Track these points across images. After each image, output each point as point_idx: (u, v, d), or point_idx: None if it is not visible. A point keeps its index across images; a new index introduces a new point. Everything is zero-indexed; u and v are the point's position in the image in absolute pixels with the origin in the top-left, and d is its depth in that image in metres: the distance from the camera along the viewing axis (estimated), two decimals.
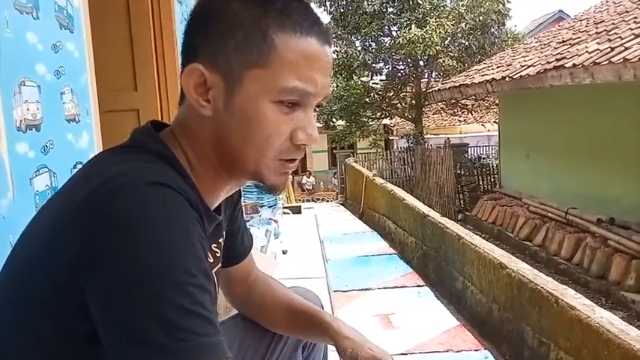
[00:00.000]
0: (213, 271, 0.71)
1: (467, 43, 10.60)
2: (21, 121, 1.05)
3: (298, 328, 0.89)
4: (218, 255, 0.74)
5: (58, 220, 0.53)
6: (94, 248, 0.49)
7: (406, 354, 2.25)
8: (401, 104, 11.86)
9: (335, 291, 2.90)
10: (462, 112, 12.56)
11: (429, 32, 9.65)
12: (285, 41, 0.57)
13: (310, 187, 15.48)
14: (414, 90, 11.41)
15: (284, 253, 3.56)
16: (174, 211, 0.51)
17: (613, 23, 5.46)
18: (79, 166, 1.04)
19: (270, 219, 3.67)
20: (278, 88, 0.57)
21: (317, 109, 0.64)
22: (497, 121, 9.32)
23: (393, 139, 15.06)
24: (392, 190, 5.32)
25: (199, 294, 0.49)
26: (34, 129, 1.10)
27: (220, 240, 0.74)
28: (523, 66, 5.70)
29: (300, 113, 0.60)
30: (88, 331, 0.50)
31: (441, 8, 10.36)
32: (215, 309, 0.52)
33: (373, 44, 11.03)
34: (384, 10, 10.60)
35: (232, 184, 0.66)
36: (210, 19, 0.59)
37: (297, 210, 5.95)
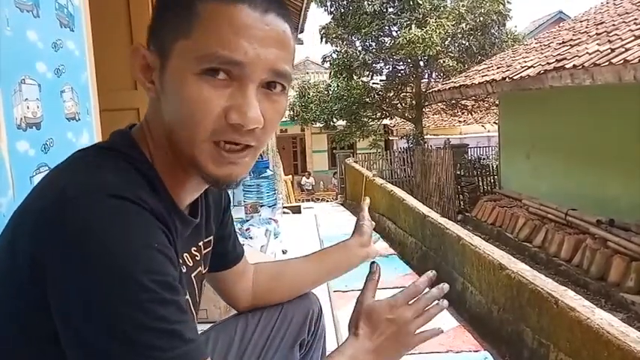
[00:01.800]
0: (193, 275, 0.69)
1: (467, 44, 10.60)
2: (21, 119, 1.05)
3: (322, 271, 0.97)
4: (198, 258, 0.71)
5: (19, 227, 0.53)
6: (50, 265, 0.48)
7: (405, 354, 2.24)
8: (401, 104, 11.86)
9: (335, 291, 2.89)
10: (462, 113, 12.56)
11: (429, 32, 9.65)
12: (209, 9, 0.53)
13: (310, 188, 15.47)
14: (414, 90, 11.41)
15: (284, 252, 3.56)
16: (129, 225, 0.50)
17: (613, 24, 5.46)
18: None
19: (270, 218, 3.67)
20: (198, 55, 0.53)
21: (275, 89, 0.57)
22: (497, 121, 9.32)
23: (392, 140, 15.07)
24: (392, 190, 5.32)
25: (160, 308, 0.48)
26: (34, 127, 1.09)
27: (200, 243, 0.72)
28: (523, 67, 5.70)
29: (235, 90, 0.54)
30: (52, 332, 0.50)
31: (441, 8, 10.36)
32: (183, 315, 0.51)
33: (373, 44, 11.03)
34: (385, 10, 10.60)
35: (193, 178, 0.60)
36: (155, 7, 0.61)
37: (296, 210, 5.95)
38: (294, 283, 0.94)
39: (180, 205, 0.62)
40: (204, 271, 0.75)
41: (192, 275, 0.70)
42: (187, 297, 0.63)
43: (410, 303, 0.73)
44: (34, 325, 0.51)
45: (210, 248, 0.76)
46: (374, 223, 1.01)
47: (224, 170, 0.56)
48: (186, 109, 0.54)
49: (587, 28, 6.19)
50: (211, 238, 0.76)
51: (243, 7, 0.53)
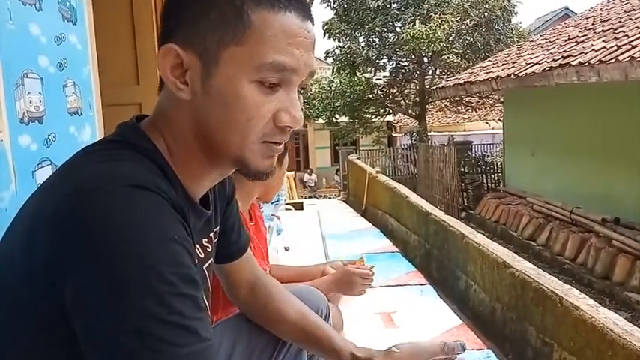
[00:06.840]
0: (204, 267, 0.70)
1: (471, 40, 10.55)
2: (24, 113, 1.04)
3: (306, 344, 0.89)
4: (209, 249, 0.72)
5: (34, 223, 0.52)
6: (68, 258, 0.48)
7: None
8: (404, 101, 11.83)
9: None
10: (466, 110, 12.51)
11: (433, 28, 9.62)
12: (261, 17, 0.55)
13: (312, 185, 15.45)
14: (417, 87, 11.38)
15: (286, 249, 3.55)
16: (151, 217, 0.50)
17: (619, 21, 5.42)
18: None
19: (273, 215, 3.66)
20: (256, 64, 0.55)
21: (302, 91, 0.62)
22: (501, 119, 9.28)
23: (396, 137, 15.03)
24: (395, 187, 5.30)
25: (178, 302, 0.47)
26: (36, 121, 1.09)
27: (211, 234, 0.72)
28: (528, 63, 5.66)
29: (282, 93, 0.57)
30: (66, 331, 0.49)
31: (446, 4, 10.32)
32: (199, 313, 0.50)
33: (377, 40, 11.00)
34: (388, 5, 10.57)
35: (216, 172, 0.64)
36: (183, 0, 0.58)
37: (299, 206, 5.95)
38: (276, 329, 0.89)
39: (194, 197, 0.63)
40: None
41: (204, 267, 0.70)
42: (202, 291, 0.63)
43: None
44: (49, 323, 0.50)
45: (216, 239, 0.75)
46: None
47: (267, 163, 0.61)
48: (240, 114, 0.56)
49: (593, 24, 6.15)
50: (217, 229, 0.76)
51: (292, 15, 0.56)
